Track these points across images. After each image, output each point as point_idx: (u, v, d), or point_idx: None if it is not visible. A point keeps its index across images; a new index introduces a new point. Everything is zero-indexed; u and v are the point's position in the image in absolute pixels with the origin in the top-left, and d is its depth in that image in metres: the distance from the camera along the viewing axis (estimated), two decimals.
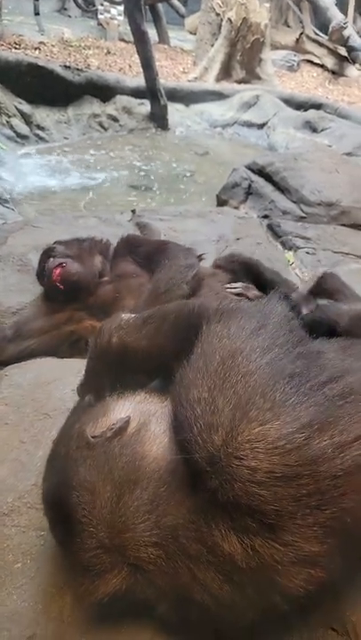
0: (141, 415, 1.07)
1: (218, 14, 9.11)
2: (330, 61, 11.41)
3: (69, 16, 11.84)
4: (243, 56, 9.06)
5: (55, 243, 2.31)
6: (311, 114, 7.29)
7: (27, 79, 6.08)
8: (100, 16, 10.30)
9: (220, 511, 0.87)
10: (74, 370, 1.63)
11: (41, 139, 6.07)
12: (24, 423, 1.49)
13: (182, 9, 11.91)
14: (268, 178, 3.82)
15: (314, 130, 6.93)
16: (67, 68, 6.53)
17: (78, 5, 10.85)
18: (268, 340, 1.06)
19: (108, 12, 10.21)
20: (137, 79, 7.11)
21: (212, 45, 9.14)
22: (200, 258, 2.21)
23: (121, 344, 1.24)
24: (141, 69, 6.67)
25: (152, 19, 9.99)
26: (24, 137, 5.92)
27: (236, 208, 3.80)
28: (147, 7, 8.20)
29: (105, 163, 5.83)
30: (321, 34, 11.69)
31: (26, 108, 6.02)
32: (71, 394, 1.52)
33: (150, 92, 6.73)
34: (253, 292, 2.10)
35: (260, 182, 3.83)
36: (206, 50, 9.25)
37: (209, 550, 0.87)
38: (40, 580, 1.10)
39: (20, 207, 4.29)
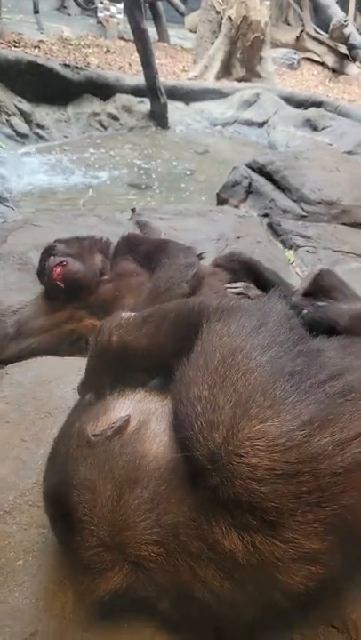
0: (142, 414, 1.07)
1: (218, 12, 9.10)
2: (330, 59, 11.39)
3: (69, 14, 11.82)
4: (243, 54, 9.05)
5: (56, 241, 2.32)
6: (312, 112, 7.28)
7: (26, 78, 6.07)
8: (99, 14, 10.28)
9: (221, 509, 0.87)
10: (74, 368, 1.63)
11: (41, 137, 6.07)
12: (25, 421, 1.50)
13: (182, 7, 11.88)
14: (268, 176, 3.82)
15: (314, 128, 6.92)
16: (66, 66, 6.53)
17: (78, 4, 10.82)
18: (269, 338, 1.06)
19: (108, 10, 10.20)
20: (137, 77, 7.11)
21: (213, 43, 9.13)
22: (200, 257, 2.21)
23: (121, 343, 1.24)
24: (141, 68, 6.66)
25: (152, 17, 9.97)
26: (24, 136, 5.92)
27: (237, 207, 3.81)
28: (146, 5, 8.20)
29: (105, 161, 5.83)
30: (321, 32, 11.67)
31: (25, 106, 6.02)
32: (72, 392, 1.52)
33: (150, 90, 6.72)
34: (254, 291, 2.10)
35: (260, 181, 3.83)
36: (206, 48, 9.24)
37: (210, 548, 0.88)
38: (42, 578, 1.10)
39: (20, 206, 4.29)
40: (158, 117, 6.99)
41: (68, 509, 0.95)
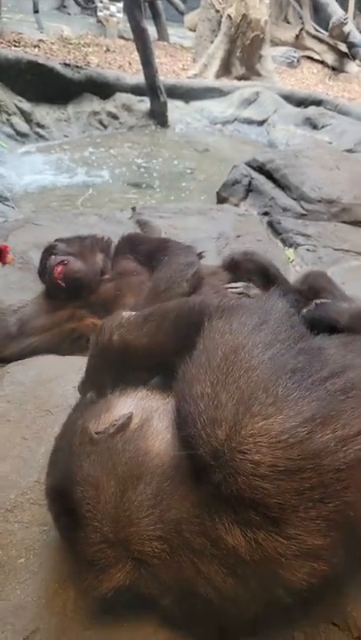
0: (144, 411, 1.08)
1: (217, 11, 9.10)
2: (330, 58, 11.38)
3: (69, 14, 11.80)
4: (242, 53, 9.05)
5: (57, 240, 2.32)
6: (311, 110, 7.28)
7: (26, 77, 6.08)
8: (99, 13, 10.27)
9: (224, 505, 0.87)
10: (75, 367, 1.63)
11: (41, 137, 6.07)
12: (26, 420, 1.50)
13: (182, 6, 11.87)
14: (268, 175, 3.82)
15: (314, 126, 6.92)
16: (66, 65, 6.53)
17: (77, 3, 10.81)
18: (270, 335, 1.06)
19: (108, 9, 10.19)
20: (137, 76, 7.11)
21: (212, 42, 9.13)
22: (200, 256, 2.21)
23: (122, 342, 1.25)
24: (141, 67, 6.66)
25: (151, 16, 9.96)
26: (24, 135, 5.92)
27: (237, 205, 3.81)
28: (146, 4, 8.18)
29: (105, 160, 5.83)
30: (321, 30, 11.67)
31: (26, 106, 6.02)
32: (72, 391, 1.52)
33: (150, 89, 6.72)
34: (254, 290, 2.10)
35: (260, 179, 3.83)
36: (206, 46, 9.24)
37: (213, 544, 0.88)
38: (43, 575, 1.11)
39: (21, 205, 4.29)
40: (158, 116, 6.99)
41: (72, 505, 0.95)
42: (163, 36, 10.53)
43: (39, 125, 6.10)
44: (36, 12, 8.77)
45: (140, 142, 6.54)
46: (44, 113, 6.21)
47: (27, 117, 6.03)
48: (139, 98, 6.99)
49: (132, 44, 7.27)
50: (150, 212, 3.29)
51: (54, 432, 1.25)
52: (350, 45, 10.85)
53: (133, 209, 3.32)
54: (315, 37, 11.76)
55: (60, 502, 1.00)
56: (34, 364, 1.80)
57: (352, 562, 0.96)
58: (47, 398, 1.58)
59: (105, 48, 8.75)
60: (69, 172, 5.37)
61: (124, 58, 8.55)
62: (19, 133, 5.88)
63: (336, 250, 3.09)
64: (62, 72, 6.39)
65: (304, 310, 1.86)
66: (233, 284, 2.11)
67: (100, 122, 6.71)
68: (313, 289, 2.03)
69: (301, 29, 11.99)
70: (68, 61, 6.81)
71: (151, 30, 8.12)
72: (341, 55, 11.22)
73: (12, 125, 5.84)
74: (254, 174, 3.88)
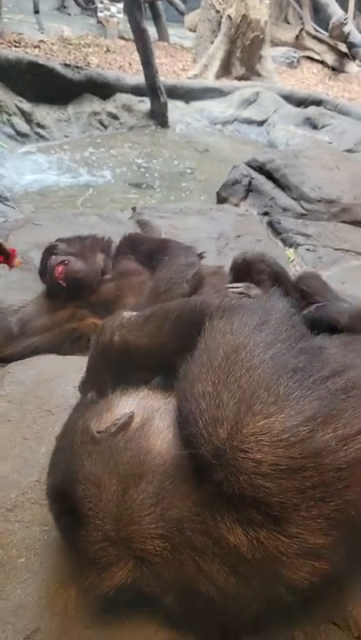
0: (145, 411, 1.08)
1: (217, 11, 9.11)
2: (330, 58, 11.39)
3: (69, 14, 11.81)
4: (243, 53, 9.05)
5: (57, 240, 2.32)
6: (311, 110, 7.29)
7: (27, 77, 6.08)
8: (99, 14, 10.28)
9: (226, 503, 0.88)
10: (76, 367, 1.63)
11: (41, 137, 6.07)
12: (26, 420, 1.50)
13: (182, 6, 11.88)
14: (268, 175, 3.82)
15: (314, 126, 6.93)
16: (67, 66, 6.53)
17: (78, 3, 10.82)
18: (271, 335, 1.06)
19: (108, 9, 10.20)
20: (137, 77, 7.12)
21: (212, 42, 9.14)
22: (201, 256, 2.22)
23: (123, 342, 1.25)
24: (141, 67, 6.67)
25: (152, 16, 9.97)
26: (24, 135, 5.93)
27: (237, 205, 3.81)
28: (146, 5, 8.20)
29: (105, 160, 5.84)
30: (321, 30, 11.67)
31: (26, 106, 6.03)
32: (73, 391, 1.52)
33: (150, 89, 6.73)
34: (254, 291, 2.10)
35: (260, 179, 3.83)
36: (206, 47, 9.24)
37: (214, 542, 0.88)
38: (44, 575, 1.11)
39: (21, 205, 4.30)
40: (158, 116, 6.99)
41: (74, 504, 0.95)
42: (163, 36, 10.54)
43: (39, 126, 6.11)
44: (36, 12, 8.78)
45: (141, 142, 6.54)
46: (44, 113, 6.22)
47: (27, 118, 6.04)
48: (139, 98, 6.99)
49: (133, 44, 7.28)
50: (150, 212, 3.30)
51: (55, 432, 1.25)
52: (350, 46, 10.86)
53: (134, 209, 3.33)
54: (315, 38, 11.77)
55: (62, 501, 1.00)
56: (34, 363, 1.80)
57: (353, 561, 0.96)
58: (48, 398, 1.58)
59: (105, 48, 8.76)
60: (70, 172, 5.38)
61: (124, 58, 8.56)
62: (19, 134, 5.89)
63: (336, 250, 3.09)
64: (63, 72, 6.40)
65: (304, 311, 1.87)
66: (234, 285, 2.11)
67: (101, 122, 6.71)
68: (306, 291, 2.04)
69: (301, 30, 12.00)
70: (68, 62, 6.82)
71: (151, 31, 8.13)
72: (341, 55, 11.22)
73: (12, 126, 5.84)
74: (254, 174, 3.88)
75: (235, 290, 2.08)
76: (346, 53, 11.06)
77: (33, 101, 6.12)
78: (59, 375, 1.68)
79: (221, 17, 8.98)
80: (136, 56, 6.99)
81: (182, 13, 12.07)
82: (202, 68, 9.02)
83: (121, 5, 9.80)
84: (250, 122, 7.61)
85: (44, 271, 2.21)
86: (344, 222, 3.43)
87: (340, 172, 3.79)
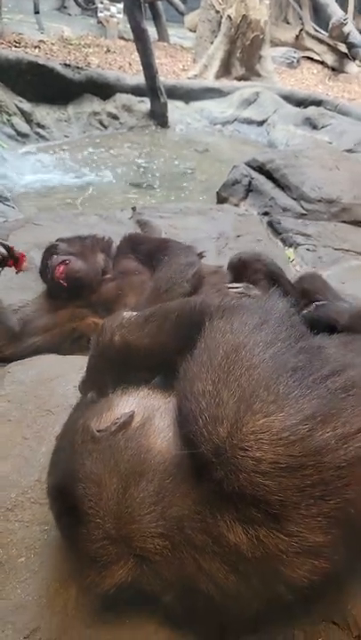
0: (145, 410, 1.08)
1: (217, 11, 9.11)
2: (330, 58, 11.40)
3: (69, 14, 11.82)
4: (242, 53, 9.06)
5: (58, 240, 2.32)
6: (311, 110, 7.29)
7: (27, 77, 6.09)
8: (99, 14, 10.29)
9: (226, 502, 0.88)
10: (76, 366, 1.63)
11: (41, 137, 6.08)
12: (27, 419, 1.50)
13: (182, 6, 11.88)
14: (268, 175, 3.82)
15: (314, 126, 6.93)
16: (67, 66, 6.54)
17: (78, 4, 10.83)
18: (271, 334, 1.06)
19: (108, 9, 10.21)
20: (137, 77, 7.12)
21: (212, 43, 9.15)
22: (201, 255, 2.22)
23: (123, 342, 1.25)
24: (141, 67, 6.67)
25: (152, 16, 9.97)
26: (25, 135, 5.94)
27: (237, 205, 3.81)
28: (146, 5, 8.19)
29: (105, 160, 5.84)
30: (321, 30, 11.68)
31: (26, 106, 6.04)
32: (73, 390, 1.52)
33: (150, 89, 6.73)
34: (254, 291, 2.10)
35: (260, 179, 3.84)
36: (206, 47, 9.25)
37: (214, 541, 0.88)
38: (44, 574, 1.11)
39: (21, 205, 4.30)
40: (158, 116, 7.00)
41: (74, 502, 0.95)
42: (163, 36, 10.55)
43: (40, 126, 6.12)
44: (36, 12, 8.79)
45: (141, 142, 6.55)
46: (44, 113, 6.23)
47: (27, 118, 6.04)
48: (139, 98, 7.00)
49: (133, 44, 7.28)
50: (151, 211, 3.30)
51: (55, 431, 1.25)
52: (350, 46, 10.87)
53: (134, 209, 3.33)
54: (315, 38, 11.78)
55: (62, 499, 1.00)
56: (34, 363, 1.80)
57: (353, 560, 0.96)
58: (48, 398, 1.58)
59: (105, 49, 8.76)
60: (70, 172, 5.38)
61: (124, 58, 8.57)
62: (19, 134, 5.89)
63: (336, 249, 3.10)
64: (63, 72, 6.41)
65: (304, 311, 1.87)
66: (234, 284, 2.12)
67: (101, 122, 6.72)
68: (308, 291, 2.04)
69: (301, 30, 12.01)
70: (68, 62, 6.83)
71: (151, 31, 8.14)
72: (341, 56, 11.23)
73: (12, 126, 5.85)
74: (254, 174, 3.89)
75: (235, 289, 2.09)
76: (346, 53, 11.07)
77: (33, 101, 6.13)
78: (59, 375, 1.68)
79: (221, 17, 8.99)
80: (136, 56, 6.99)
81: (182, 13, 12.07)
82: (202, 68, 9.02)
83: (121, 5, 9.80)
84: (250, 122, 7.62)
85: (45, 271, 2.21)
86: (344, 222, 3.43)
87: (340, 171, 3.80)
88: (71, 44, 8.29)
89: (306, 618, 1.02)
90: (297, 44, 11.88)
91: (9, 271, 2.02)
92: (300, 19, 12.21)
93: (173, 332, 1.22)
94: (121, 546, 0.93)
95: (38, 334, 2.05)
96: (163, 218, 3.17)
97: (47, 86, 6.22)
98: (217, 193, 4.06)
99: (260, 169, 3.88)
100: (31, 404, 1.56)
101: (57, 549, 1.14)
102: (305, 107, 7.75)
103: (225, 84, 8.55)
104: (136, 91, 6.98)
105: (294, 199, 3.57)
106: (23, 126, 5.95)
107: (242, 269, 2.16)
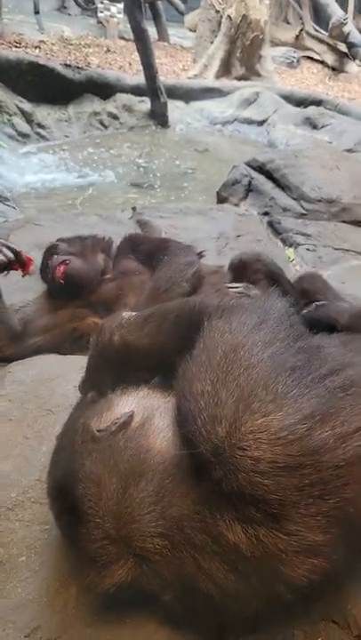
0: (145, 410, 1.08)
1: (217, 11, 9.11)
2: (330, 58, 11.40)
3: (69, 14, 11.83)
4: (242, 53, 9.06)
5: (58, 240, 2.32)
6: (311, 110, 7.29)
7: (27, 78, 6.10)
8: (99, 14, 10.29)
9: (225, 501, 0.88)
10: (76, 366, 1.63)
11: (42, 137, 6.09)
12: (27, 419, 1.50)
13: (182, 6, 11.88)
14: (268, 175, 3.82)
15: (314, 126, 6.93)
16: (67, 66, 6.54)
17: (78, 4, 10.84)
18: (270, 334, 1.06)
19: (108, 9, 10.21)
20: (137, 77, 7.12)
21: (212, 42, 9.15)
22: (200, 255, 2.22)
23: (123, 342, 1.25)
24: (141, 67, 6.67)
25: (152, 16, 9.97)
26: (25, 135, 5.94)
27: (237, 205, 3.81)
28: (146, 5, 8.19)
29: (105, 160, 5.84)
30: (321, 30, 11.67)
31: (27, 106, 6.04)
32: (73, 390, 1.52)
33: (150, 89, 6.73)
34: (254, 291, 2.11)
35: (260, 179, 3.84)
36: (206, 47, 9.25)
37: (214, 540, 0.89)
38: (44, 574, 1.11)
39: (22, 205, 4.30)
40: (158, 116, 7.00)
41: (74, 502, 0.95)
42: (163, 36, 10.55)
43: (40, 126, 6.12)
44: (36, 12, 8.80)
45: (141, 142, 6.55)
46: (44, 113, 6.23)
47: (28, 118, 6.05)
48: (139, 98, 7.00)
49: (133, 44, 7.29)
50: (151, 211, 3.30)
51: (55, 431, 1.25)
52: (350, 45, 10.86)
53: (134, 209, 3.33)
54: (315, 38, 11.78)
55: (62, 499, 1.00)
56: (35, 363, 1.80)
57: (352, 559, 0.96)
58: (48, 397, 1.58)
59: (105, 49, 8.77)
60: (70, 172, 5.38)
61: (124, 58, 8.57)
62: (20, 134, 5.90)
63: (336, 249, 3.10)
64: (63, 73, 6.41)
65: (304, 311, 1.87)
66: (233, 284, 2.12)
67: (101, 122, 6.72)
68: (308, 290, 2.04)
69: (301, 30, 12.00)
70: (68, 62, 6.83)
71: (151, 31, 8.14)
72: (341, 55, 11.23)
73: (13, 126, 5.86)
74: (254, 174, 3.89)
75: (234, 289, 2.09)
76: (346, 53, 11.07)
77: (33, 101, 6.14)
78: (59, 375, 1.68)
79: (221, 17, 8.99)
80: (136, 56, 7.00)
81: (182, 13, 12.07)
82: (202, 68, 9.02)
83: (121, 5, 9.81)
84: (250, 122, 7.62)
85: (45, 271, 2.21)
86: (344, 222, 3.43)
87: (340, 171, 3.80)
88: (71, 44, 8.30)
89: (305, 617, 1.02)
90: (297, 43, 11.88)
91: (14, 273, 2.02)
92: (301, 18, 12.20)
93: (172, 332, 1.22)
94: (121, 545, 0.93)
95: (39, 334, 2.06)
96: (163, 218, 3.17)
97: (47, 86, 6.23)
98: (217, 193, 4.06)
99: (260, 169, 3.88)
100: (32, 403, 1.56)
101: (57, 549, 1.14)
102: (305, 106, 7.74)
103: (225, 83, 8.55)
104: (136, 91, 6.98)
105: (294, 199, 3.57)
106: (24, 126, 5.96)
107: (242, 269, 2.16)
